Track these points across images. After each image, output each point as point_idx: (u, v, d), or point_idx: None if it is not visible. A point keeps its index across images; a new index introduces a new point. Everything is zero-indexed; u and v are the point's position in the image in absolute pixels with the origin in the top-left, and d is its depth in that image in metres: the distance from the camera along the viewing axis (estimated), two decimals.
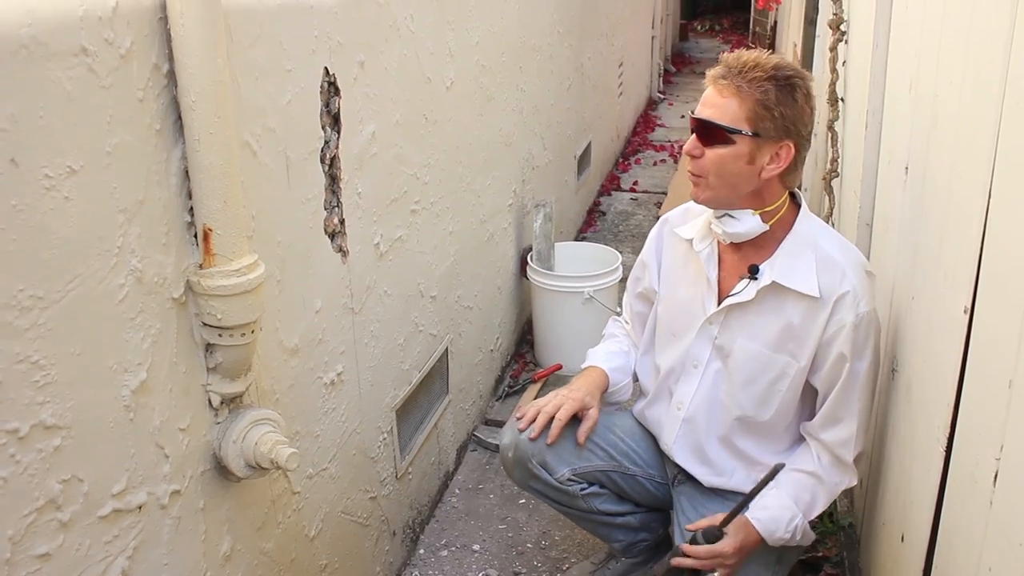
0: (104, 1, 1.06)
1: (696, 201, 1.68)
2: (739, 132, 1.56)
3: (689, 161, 1.64)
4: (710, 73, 1.62)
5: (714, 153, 1.59)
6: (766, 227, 1.64)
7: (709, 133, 1.58)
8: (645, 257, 1.94)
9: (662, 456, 1.94)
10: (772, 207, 1.65)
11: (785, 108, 1.55)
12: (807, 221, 1.69)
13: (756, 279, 1.66)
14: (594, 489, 1.93)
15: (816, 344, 1.64)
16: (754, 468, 1.78)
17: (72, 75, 1.02)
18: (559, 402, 1.84)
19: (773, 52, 1.67)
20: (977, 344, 1.19)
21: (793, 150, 1.58)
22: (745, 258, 1.70)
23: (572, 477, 1.91)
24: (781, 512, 1.69)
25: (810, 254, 1.64)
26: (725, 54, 1.61)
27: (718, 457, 1.81)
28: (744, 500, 1.59)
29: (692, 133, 1.62)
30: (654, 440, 1.94)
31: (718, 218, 1.68)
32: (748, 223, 1.64)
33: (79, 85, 1.03)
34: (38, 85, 0.98)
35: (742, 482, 1.79)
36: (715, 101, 1.58)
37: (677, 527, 1.86)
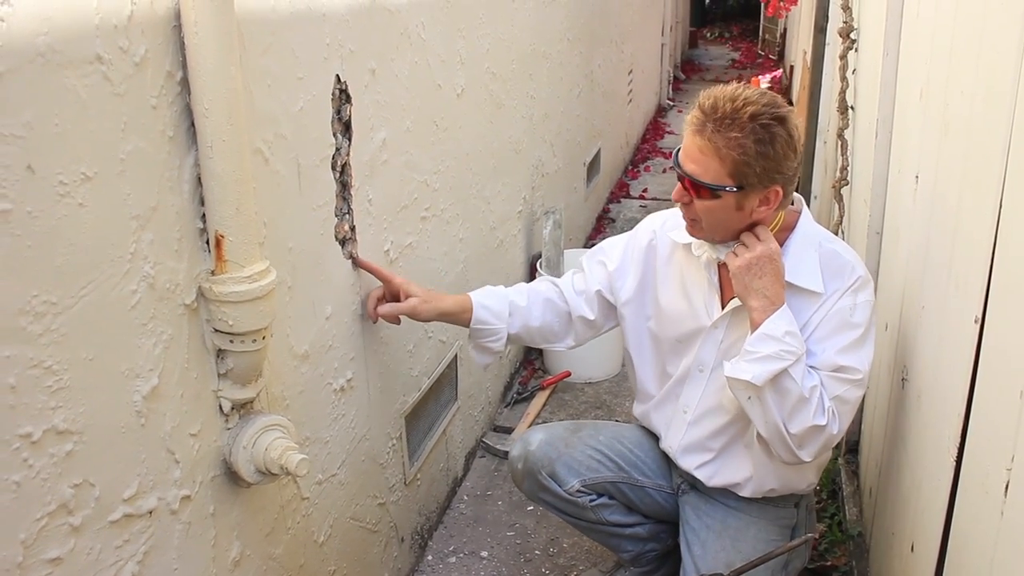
0: (119, 10, 1.07)
1: (696, 238, 1.67)
2: (724, 188, 1.54)
3: (681, 205, 1.63)
4: (688, 118, 1.58)
5: (702, 204, 1.58)
6: None
7: (695, 186, 1.57)
8: (625, 262, 1.86)
9: (669, 466, 1.94)
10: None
11: (767, 160, 1.51)
12: (810, 223, 1.69)
13: None
14: (603, 500, 1.93)
15: (816, 322, 1.61)
16: (765, 461, 1.73)
17: (87, 83, 1.03)
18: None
19: (753, 84, 1.63)
20: (988, 354, 1.18)
21: (781, 192, 1.57)
22: None
23: (581, 488, 1.91)
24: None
25: (813, 252, 1.64)
26: (702, 97, 1.56)
27: (721, 456, 1.80)
28: (759, 559, 1.62)
29: (679, 181, 1.60)
30: (662, 451, 1.94)
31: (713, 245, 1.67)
32: None
33: (94, 92, 1.04)
34: (54, 93, 0.99)
35: (745, 476, 1.77)
36: (696, 157, 1.55)
37: (684, 538, 1.85)
